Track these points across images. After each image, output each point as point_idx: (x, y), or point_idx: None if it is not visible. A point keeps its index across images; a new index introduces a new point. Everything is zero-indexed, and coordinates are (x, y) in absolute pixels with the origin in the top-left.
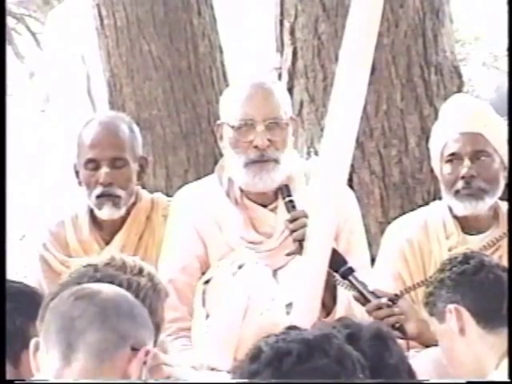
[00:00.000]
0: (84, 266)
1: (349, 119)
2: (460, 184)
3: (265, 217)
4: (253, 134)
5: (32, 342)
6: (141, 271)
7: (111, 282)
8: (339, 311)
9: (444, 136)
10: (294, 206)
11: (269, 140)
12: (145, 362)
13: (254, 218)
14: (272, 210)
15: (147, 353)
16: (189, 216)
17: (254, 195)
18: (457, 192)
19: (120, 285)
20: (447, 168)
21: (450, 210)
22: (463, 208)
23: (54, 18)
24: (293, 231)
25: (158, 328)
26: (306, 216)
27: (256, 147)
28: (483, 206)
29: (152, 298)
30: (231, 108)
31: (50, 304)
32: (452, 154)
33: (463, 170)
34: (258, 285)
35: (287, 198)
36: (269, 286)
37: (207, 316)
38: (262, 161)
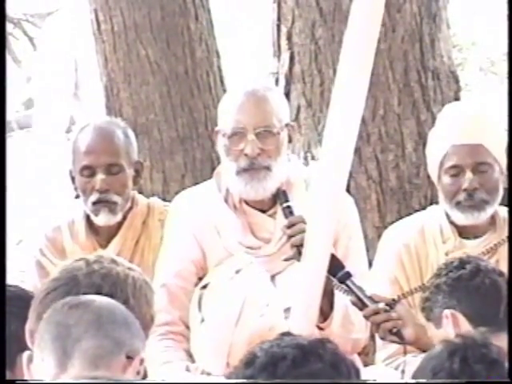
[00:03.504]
0: (75, 261)
1: (348, 125)
2: (462, 196)
3: (263, 222)
4: (244, 143)
5: (25, 355)
6: (130, 267)
7: (108, 274)
8: (336, 317)
9: (444, 146)
10: (291, 212)
11: (260, 148)
12: (138, 372)
13: (252, 223)
14: (271, 216)
15: (142, 361)
16: (186, 221)
17: (252, 201)
18: (458, 203)
19: (117, 276)
20: (448, 179)
21: (447, 215)
22: (464, 218)
23: (51, 23)
24: (290, 237)
25: (152, 320)
26: (303, 221)
27: (246, 155)
28: (484, 216)
29: (146, 289)
30: (225, 116)
31: (41, 303)
32: (453, 166)
33: (465, 183)
34: (253, 290)
35: (285, 204)
36: (265, 291)
37: (202, 320)
38: (252, 169)
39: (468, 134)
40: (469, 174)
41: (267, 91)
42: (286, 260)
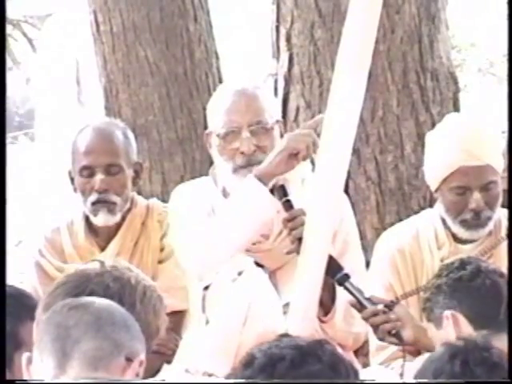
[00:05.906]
0: (92, 260)
1: (346, 125)
2: (469, 215)
3: None
4: (238, 141)
5: (24, 356)
6: (144, 278)
7: (120, 276)
8: (338, 310)
9: (451, 164)
10: (291, 206)
11: (255, 145)
12: (137, 374)
13: None
14: None
15: (141, 364)
16: (189, 207)
17: None
18: (464, 221)
19: (128, 280)
20: (454, 197)
21: (443, 220)
22: (469, 235)
23: (50, 24)
24: (291, 230)
25: (157, 331)
26: (304, 214)
27: (242, 153)
28: (487, 230)
29: (156, 300)
30: (216, 117)
31: (50, 295)
32: (461, 187)
33: (473, 204)
34: (258, 292)
35: (284, 198)
36: (268, 293)
37: (207, 322)
38: (249, 166)
39: (477, 155)
40: (476, 195)
41: (256, 89)
42: (287, 253)
